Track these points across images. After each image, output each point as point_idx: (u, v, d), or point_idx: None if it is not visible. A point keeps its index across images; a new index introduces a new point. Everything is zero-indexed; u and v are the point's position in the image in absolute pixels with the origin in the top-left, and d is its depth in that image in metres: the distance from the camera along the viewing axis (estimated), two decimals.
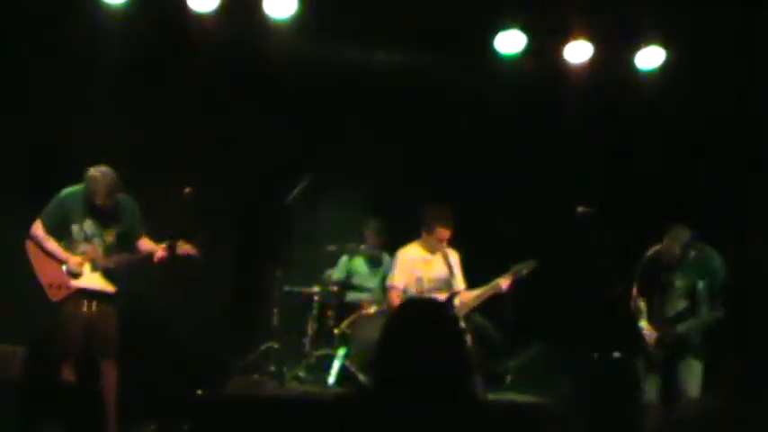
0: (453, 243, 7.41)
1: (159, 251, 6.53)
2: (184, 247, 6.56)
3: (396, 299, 7.29)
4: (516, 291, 7.29)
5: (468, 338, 6.59)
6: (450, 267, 7.34)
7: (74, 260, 6.41)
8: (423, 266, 7.39)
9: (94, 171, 6.40)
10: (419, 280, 7.35)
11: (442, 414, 2.55)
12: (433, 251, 7.37)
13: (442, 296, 7.16)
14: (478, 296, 7.23)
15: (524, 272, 7.17)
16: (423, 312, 2.75)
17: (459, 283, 7.40)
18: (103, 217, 6.51)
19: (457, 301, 7.21)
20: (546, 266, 7.31)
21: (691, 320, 6.52)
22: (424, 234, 7.35)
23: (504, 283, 7.13)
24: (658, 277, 6.69)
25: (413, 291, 7.33)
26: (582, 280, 8.08)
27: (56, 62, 7.58)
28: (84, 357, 6.43)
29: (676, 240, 6.49)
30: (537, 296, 7.86)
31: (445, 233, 7.23)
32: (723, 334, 6.44)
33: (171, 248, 6.51)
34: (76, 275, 6.42)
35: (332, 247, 8.13)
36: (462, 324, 6.86)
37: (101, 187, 6.38)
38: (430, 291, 7.28)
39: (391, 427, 2.54)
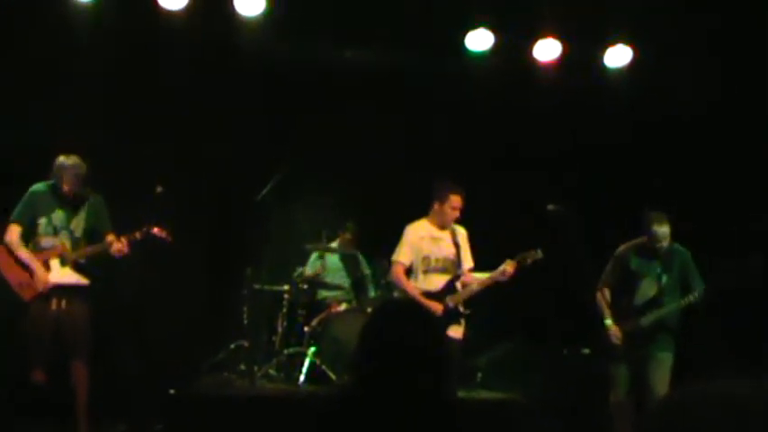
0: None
1: (116, 243, 6.43)
2: (157, 232, 6.50)
3: (400, 274, 7.03)
4: (486, 289, 7.30)
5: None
6: (457, 247, 7.14)
7: (38, 274, 6.35)
8: (431, 245, 7.10)
9: (64, 158, 6.46)
10: (426, 259, 7.07)
11: (418, 414, 2.55)
12: (443, 227, 7.09)
13: (446, 278, 7.03)
14: (481, 282, 7.07)
15: (529, 261, 6.95)
16: (402, 315, 2.74)
17: (466, 262, 7.18)
18: (72, 208, 6.50)
19: (459, 285, 7.06)
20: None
21: (653, 313, 6.59)
22: (436, 206, 7.06)
23: (508, 270, 6.89)
24: (629, 271, 6.75)
25: (419, 269, 7.09)
26: (553, 277, 8.13)
27: (23, 60, 7.51)
28: (55, 357, 6.38)
29: (662, 225, 6.54)
30: (507, 293, 7.90)
31: (459, 200, 6.99)
32: None
33: (144, 233, 6.46)
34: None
35: (309, 246, 8.10)
36: (462, 309, 6.83)
37: (69, 173, 6.42)
38: (436, 270, 7.05)
39: (366, 426, 2.54)
